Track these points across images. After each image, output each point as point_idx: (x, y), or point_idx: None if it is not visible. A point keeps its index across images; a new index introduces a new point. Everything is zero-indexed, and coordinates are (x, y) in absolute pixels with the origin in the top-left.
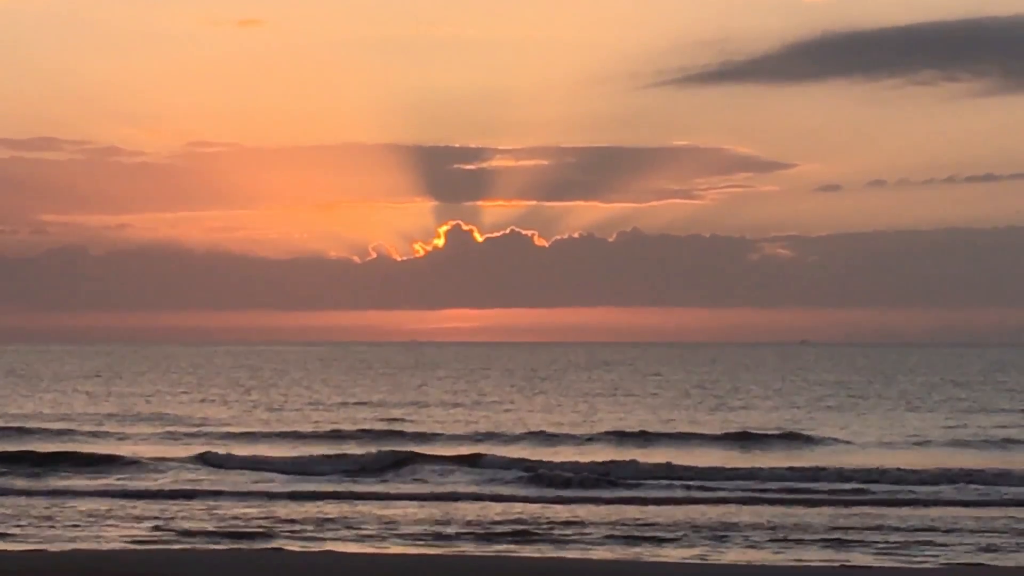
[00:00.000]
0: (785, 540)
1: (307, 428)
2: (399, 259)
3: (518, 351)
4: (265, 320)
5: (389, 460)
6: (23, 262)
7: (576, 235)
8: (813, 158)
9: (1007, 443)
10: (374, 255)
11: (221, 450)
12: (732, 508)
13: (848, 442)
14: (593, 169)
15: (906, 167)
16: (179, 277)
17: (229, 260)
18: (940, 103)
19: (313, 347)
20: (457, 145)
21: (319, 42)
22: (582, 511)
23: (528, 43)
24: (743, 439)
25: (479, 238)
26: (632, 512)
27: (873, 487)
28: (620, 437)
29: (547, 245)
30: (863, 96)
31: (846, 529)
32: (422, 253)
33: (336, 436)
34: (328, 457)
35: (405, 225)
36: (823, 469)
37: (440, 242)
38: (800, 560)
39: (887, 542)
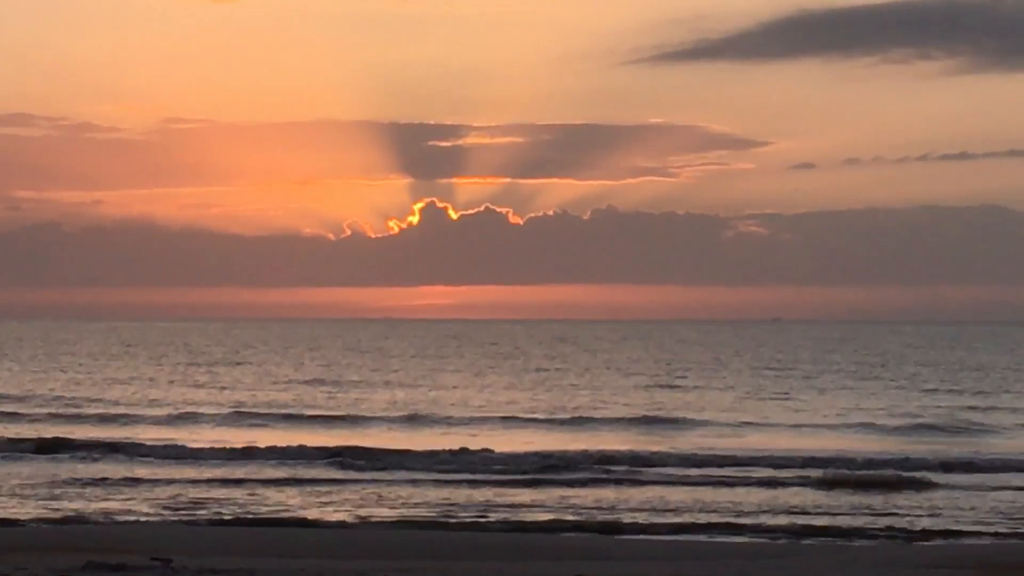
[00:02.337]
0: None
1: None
2: (374, 236)
3: (486, 328)
4: (239, 297)
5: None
6: None
7: (551, 212)
8: (788, 136)
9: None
10: (348, 232)
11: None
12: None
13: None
14: (568, 146)
15: (881, 145)
16: (153, 254)
17: (204, 237)
18: (914, 81)
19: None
20: (432, 122)
21: (294, 18)
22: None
23: (503, 20)
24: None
25: (454, 215)
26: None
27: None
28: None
29: (522, 222)
30: (838, 74)
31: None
32: (397, 230)
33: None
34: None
35: (380, 202)
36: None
37: (415, 219)
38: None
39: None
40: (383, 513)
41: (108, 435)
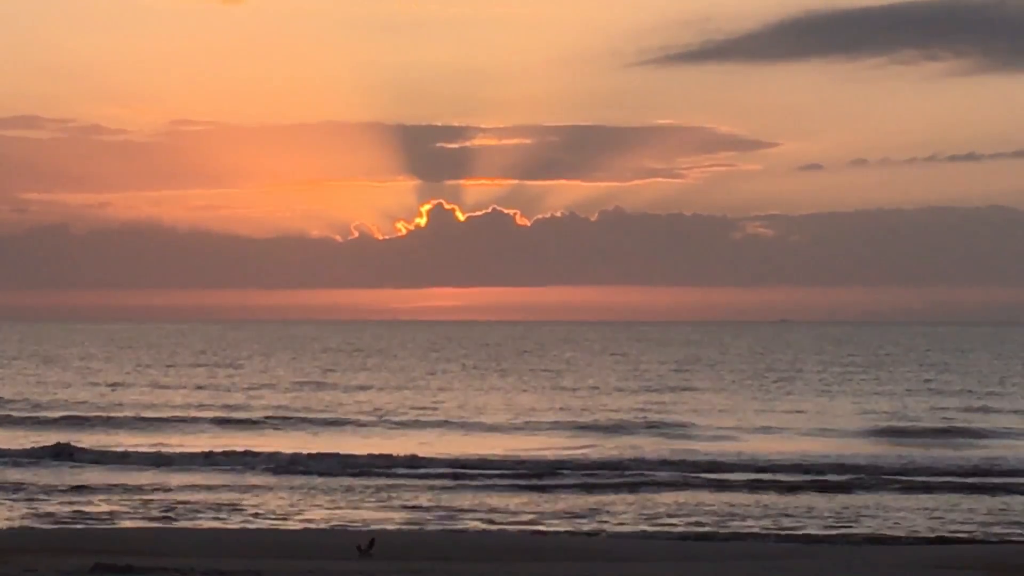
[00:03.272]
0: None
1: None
2: (381, 238)
3: (492, 330)
4: (246, 299)
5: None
6: (4, 240)
7: (558, 214)
8: (795, 137)
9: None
10: (356, 234)
11: None
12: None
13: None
14: (575, 148)
15: (888, 146)
16: (161, 256)
17: (211, 239)
18: (921, 82)
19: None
20: (439, 124)
21: (301, 20)
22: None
23: (511, 21)
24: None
25: (461, 217)
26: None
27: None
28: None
29: (529, 224)
30: (845, 75)
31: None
32: (404, 232)
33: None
34: None
35: (387, 204)
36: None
37: (422, 221)
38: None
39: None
40: (385, 515)
41: (110, 439)
